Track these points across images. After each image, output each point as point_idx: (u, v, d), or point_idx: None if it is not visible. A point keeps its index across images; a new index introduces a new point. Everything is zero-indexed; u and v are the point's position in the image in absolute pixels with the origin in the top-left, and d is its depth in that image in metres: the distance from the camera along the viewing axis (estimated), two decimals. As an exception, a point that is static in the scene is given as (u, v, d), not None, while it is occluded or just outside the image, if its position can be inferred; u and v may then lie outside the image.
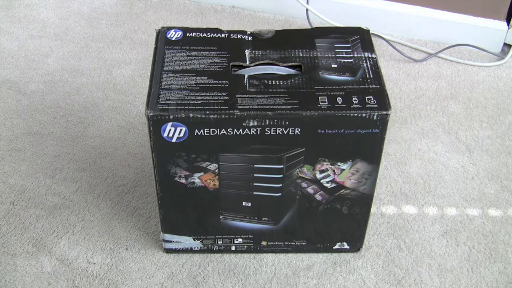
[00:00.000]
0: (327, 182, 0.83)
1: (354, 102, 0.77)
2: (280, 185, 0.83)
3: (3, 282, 0.89)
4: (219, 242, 0.91)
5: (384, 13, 1.42)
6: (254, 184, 0.83)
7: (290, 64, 0.83)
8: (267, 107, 0.76)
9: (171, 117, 0.75)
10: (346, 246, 0.93)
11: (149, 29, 1.43)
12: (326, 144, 0.79)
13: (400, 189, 1.05)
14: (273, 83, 0.79)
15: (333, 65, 0.82)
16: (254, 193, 0.84)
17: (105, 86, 1.26)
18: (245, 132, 0.77)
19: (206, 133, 0.77)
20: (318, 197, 0.85)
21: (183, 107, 0.76)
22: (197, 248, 0.92)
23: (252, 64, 0.83)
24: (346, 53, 0.84)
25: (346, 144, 0.79)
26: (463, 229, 0.99)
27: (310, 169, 0.82)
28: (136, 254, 0.93)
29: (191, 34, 0.87)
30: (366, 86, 0.79)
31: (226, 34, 0.87)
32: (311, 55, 0.84)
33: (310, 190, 0.84)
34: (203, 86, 0.79)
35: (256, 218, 0.88)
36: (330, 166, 0.82)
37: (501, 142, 1.15)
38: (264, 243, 0.92)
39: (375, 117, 0.76)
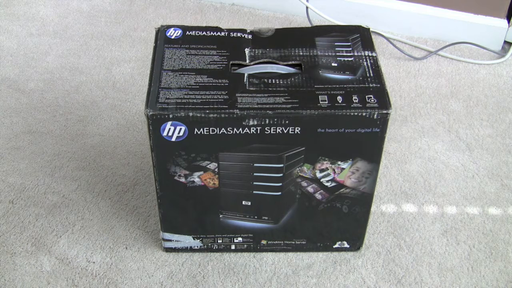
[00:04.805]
0: (327, 181, 0.83)
1: (354, 101, 0.76)
2: (280, 184, 0.83)
3: (2, 281, 0.89)
4: (219, 241, 0.91)
5: (384, 11, 1.42)
6: (254, 183, 0.83)
7: (290, 62, 0.82)
8: (267, 106, 0.76)
9: (170, 116, 0.75)
10: (346, 245, 0.92)
11: (148, 27, 1.43)
12: (326, 143, 0.79)
13: (400, 187, 1.05)
14: (273, 82, 0.79)
15: (333, 64, 0.82)
16: (254, 192, 0.84)
17: (104, 84, 1.25)
18: (245, 131, 0.77)
19: (206, 132, 0.77)
20: (318, 196, 0.85)
21: (182, 106, 0.75)
22: (197, 247, 0.92)
23: (252, 63, 0.82)
24: (346, 51, 0.84)
25: (346, 143, 0.79)
26: (464, 227, 0.98)
27: (310, 168, 0.82)
28: (135, 253, 0.93)
29: (191, 32, 0.87)
30: (366, 85, 0.79)
31: (226, 33, 0.87)
32: (311, 54, 0.84)
33: (310, 189, 0.84)
34: (203, 85, 0.78)
35: (256, 217, 0.88)
36: (330, 165, 0.81)
37: (502, 140, 1.15)
38: (264, 242, 0.92)
39: (375, 116, 0.76)
